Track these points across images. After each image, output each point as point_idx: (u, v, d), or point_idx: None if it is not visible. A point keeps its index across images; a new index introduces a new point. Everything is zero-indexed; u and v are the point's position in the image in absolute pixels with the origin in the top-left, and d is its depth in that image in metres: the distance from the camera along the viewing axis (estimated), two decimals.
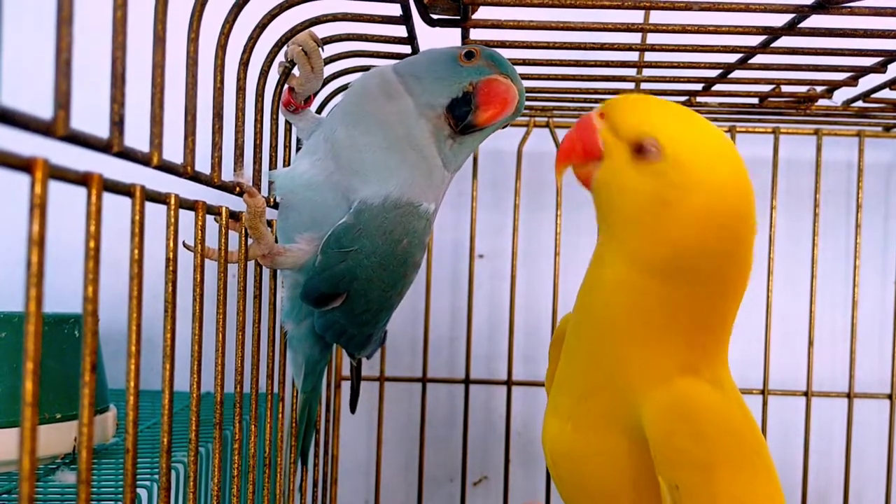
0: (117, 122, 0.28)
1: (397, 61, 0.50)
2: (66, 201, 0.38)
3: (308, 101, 0.52)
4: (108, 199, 0.28)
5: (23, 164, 0.23)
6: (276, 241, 0.50)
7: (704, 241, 0.37)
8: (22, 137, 0.23)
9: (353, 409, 0.65)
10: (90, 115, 0.34)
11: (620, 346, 0.39)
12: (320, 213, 0.48)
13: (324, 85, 0.52)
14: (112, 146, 0.28)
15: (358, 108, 0.48)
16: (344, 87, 0.60)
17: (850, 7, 0.44)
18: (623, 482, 0.40)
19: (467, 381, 0.78)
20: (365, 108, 0.48)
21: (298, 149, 0.55)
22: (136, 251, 0.30)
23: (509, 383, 0.79)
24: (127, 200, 0.30)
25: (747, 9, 0.46)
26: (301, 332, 0.53)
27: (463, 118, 0.47)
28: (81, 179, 0.26)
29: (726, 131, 0.77)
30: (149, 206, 0.31)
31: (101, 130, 0.28)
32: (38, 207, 0.23)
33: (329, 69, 0.55)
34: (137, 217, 0.30)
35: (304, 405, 0.58)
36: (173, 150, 0.35)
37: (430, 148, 0.47)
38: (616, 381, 0.40)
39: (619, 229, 0.39)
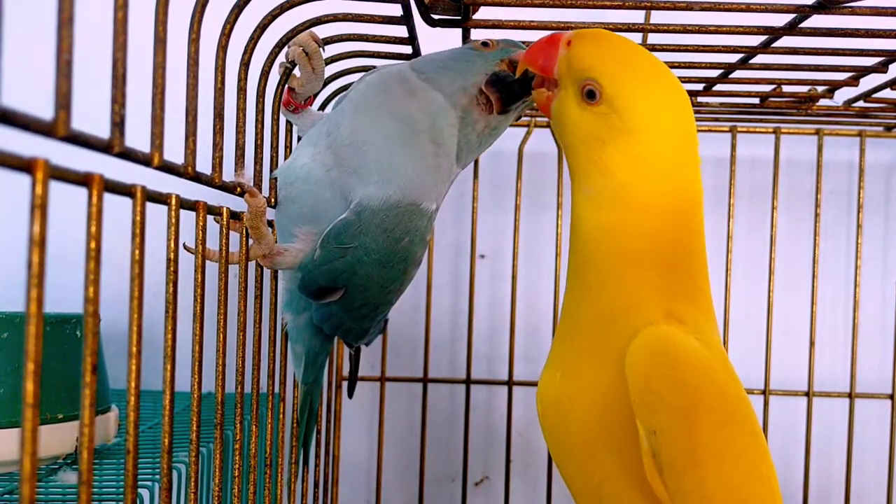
0: (118, 123, 0.28)
1: (406, 64, 0.49)
2: (68, 201, 0.38)
3: (308, 100, 0.52)
4: (110, 198, 0.28)
5: (23, 165, 0.23)
6: (276, 241, 0.50)
7: (645, 177, 0.40)
8: (22, 138, 0.23)
9: (350, 394, 0.66)
10: (91, 115, 0.34)
11: (603, 282, 0.41)
12: (318, 208, 0.47)
13: (325, 85, 0.52)
14: (113, 147, 0.28)
15: (372, 103, 0.47)
16: (345, 88, 0.60)
17: (850, 7, 0.44)
18: (604, 425, 0.40)
19: (468, 382, 0.78)
20: (381, 102, 0.47)
21: None
22: (137, 251, 0.30)
23: (510, 383, 0.79)
24: (128, 200, 0.30)
25: (748, 9, 0.46)
26: (300, 324, 0.53)
27: (519, 89, 0.46)
28: (82, 180, 0.26)
29: (727, 131, 0.77)
30: (150, 205, 0.31)
31: (103, 130, 0.28)
32: (39, 208, 0.23)
33: (330, 69, 0.55)
34: (138, 217, 0.30)
35: (306, 397, 0.57)
36: (174, 151, 0.35)
37: (451, 138, 0.47)
38: (602, 318, 0.41)
39: (572, 163, 0.42)
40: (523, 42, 0.51)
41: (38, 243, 0.23)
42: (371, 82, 0.49)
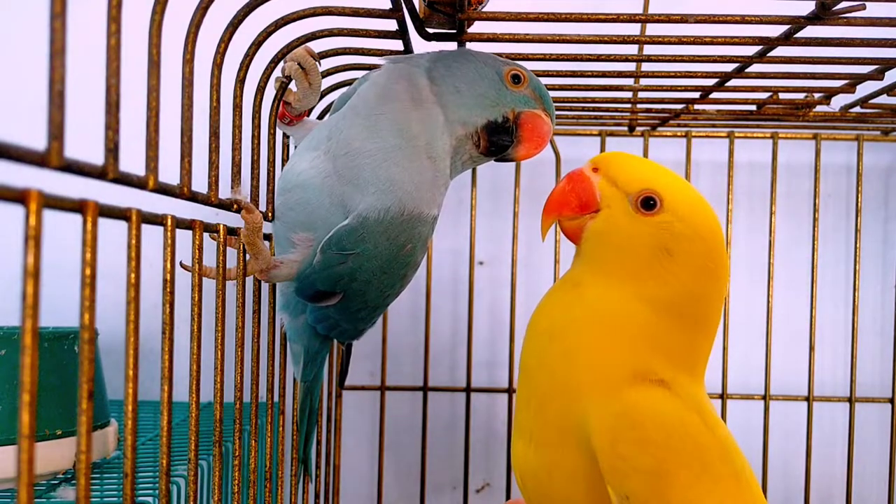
0: (112, 149, 0.28)
1: (430, 59, 0.48)
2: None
3: (304, 112, 0.51)
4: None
5: (17, 196, 0.23)
6: (273, 251, 0.50)
7: (700, 283, 0.41)
8: (14, 164, 0.23)
9: (341, 384, 0.66)
10: (85, 135, 0.34)
11: (578, 353, 0.41)
12: (316, 215, 0.47)
13: (321, 98, 0.52)
14: (108, 173, 0.28)
15: (372, 111, 0.46)
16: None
17: (845, 18, 0.44)
18: (583, 498, 0.40)
19: (468, 390, 0.79)
20: (382, 111, 0.46)
21: None
22: (133, 275, 0.30)
23: (510, 391, 0.79)
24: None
25: (743, 20, 0.46)
26: (298, 325, 0.53)
27: (501, 147, 0.47)
28: (77, 207, 0.26)
29: (724, 137, 0.77)
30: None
31: (97, 149, 0.28)
32: (33, 239, 0.23)
33: (326, 82, 0.55)
34: (134, 241, 0.30)
35: (306, 395, 0.57)
36: (170, 170, 0.35)
37: (444, 159, 0.47)
38: (567, 389, 0.40)
39: (616, 269, 0.42)
40: (517, 55, 0.51)
41: (33, 274, 0.23)
42: (376, 84, 0.47)
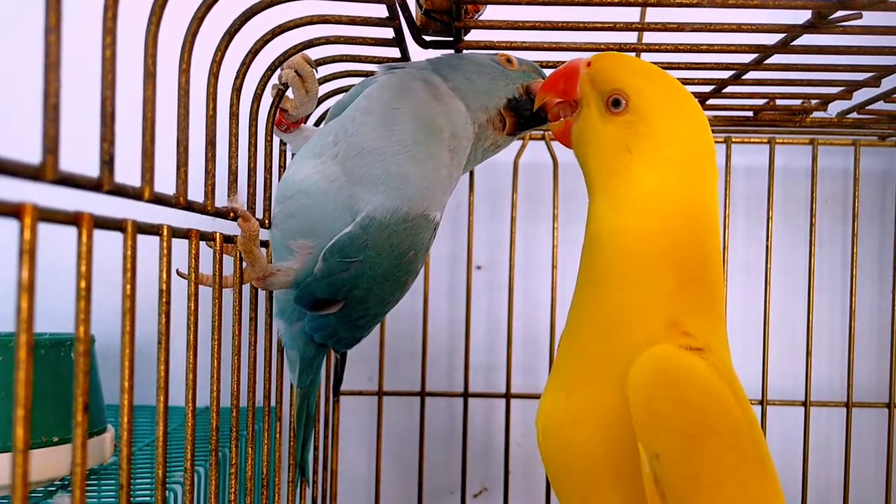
0: (107, 161, 0.28)
1: (430, 63, 0.49)
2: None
3: (301, 119, 0.51)
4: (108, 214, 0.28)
5: (11, 210, 0.23)
6: (271, 260, 0.50)
7: (669, 182, 0.40)
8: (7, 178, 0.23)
9: (335, 393, 0.68)
10: (81, 143, 0.34)
11: (614, 295, 0.41)
12: (319, 222, 0.46)
13: (318, 105, 0.52)
14: (103, 185, 0.28)
15: (391, 106, 0.46)
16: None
17: (841, 26, 0.44)
18: (608, 450, 0.39)
19: (466, 395, 0.78)
20: (403, 106, 0.46)
21: None
22: (129, 286, 0.30)
23: (508, 396, 0.79)
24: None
25: (739, 29, 0.46)
26: (294, 332, 0.53)
27: (531, 116, 0.49)
28: (72, 220, 0.26)
29: (721, 142, 0.77)
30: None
31: (93, 158, 0.28)
32: (28, 253, 0.23)
33: (322, 89, 0.55)
34: (129, 252, 0.30)
35: (303, 401, 0.57)
36: (167, 179, 0.35)
37: (465, 151, 0.48)
38: (610, 335, 0.40)
39: (595, 176, 0.42)
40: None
41: (27, 288, 0.23)
42: (388, 85, 0.47)
